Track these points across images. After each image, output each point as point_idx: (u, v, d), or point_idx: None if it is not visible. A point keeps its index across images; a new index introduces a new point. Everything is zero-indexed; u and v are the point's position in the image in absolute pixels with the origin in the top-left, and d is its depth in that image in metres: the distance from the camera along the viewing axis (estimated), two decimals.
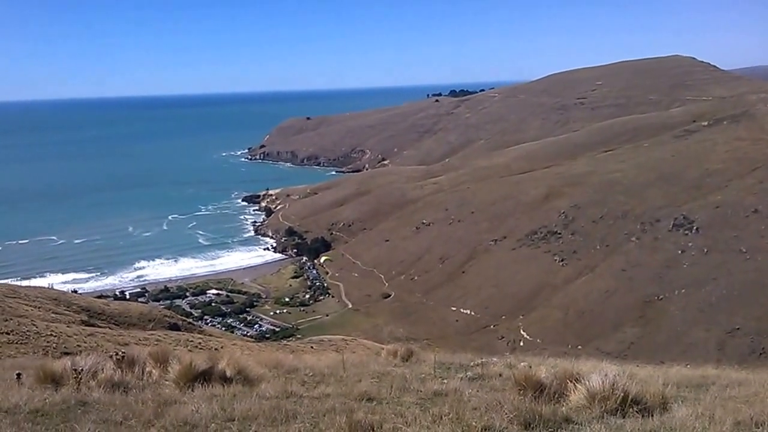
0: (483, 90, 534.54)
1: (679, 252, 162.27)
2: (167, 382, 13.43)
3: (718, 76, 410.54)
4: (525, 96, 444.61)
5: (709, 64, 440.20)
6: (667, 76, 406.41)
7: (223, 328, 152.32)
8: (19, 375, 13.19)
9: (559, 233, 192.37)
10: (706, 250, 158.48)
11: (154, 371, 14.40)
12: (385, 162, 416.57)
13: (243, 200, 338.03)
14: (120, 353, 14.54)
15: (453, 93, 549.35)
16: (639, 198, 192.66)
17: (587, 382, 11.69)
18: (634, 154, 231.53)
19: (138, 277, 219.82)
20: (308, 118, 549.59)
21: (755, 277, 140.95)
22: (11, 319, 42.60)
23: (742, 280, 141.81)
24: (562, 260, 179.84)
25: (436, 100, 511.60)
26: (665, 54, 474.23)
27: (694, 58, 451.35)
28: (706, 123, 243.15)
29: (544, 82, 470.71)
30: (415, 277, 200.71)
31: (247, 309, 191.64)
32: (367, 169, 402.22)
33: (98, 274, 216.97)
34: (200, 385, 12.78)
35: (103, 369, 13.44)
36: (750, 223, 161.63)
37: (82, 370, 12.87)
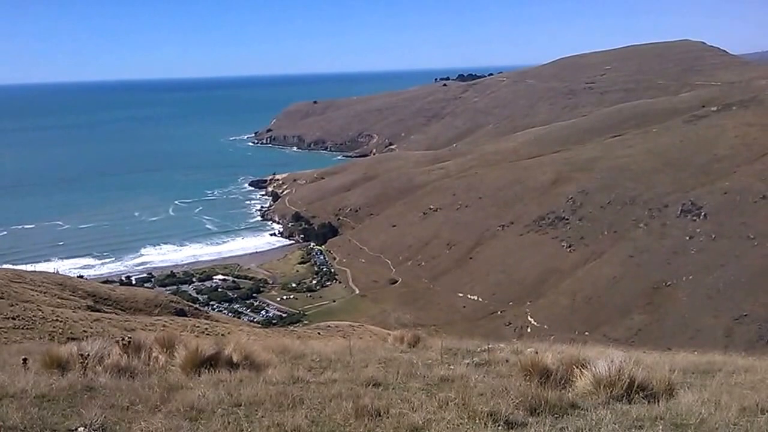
0: (491, 74, 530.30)
1: (687, 238, 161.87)
2: (174, 368, 13.46)
3: (728, 61, 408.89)
4: (533, 80, 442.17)
5: (718, 48, 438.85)
6: (676, 61, 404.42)
7: (230, 314, 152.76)
8: (25, 360, 13.12)
9: (567, 219, 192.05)
10: (714, 236, 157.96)
11: (160, 357, 14.43)
12: (393, 147, 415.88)
13: (249, 185, 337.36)
14: (126, 338, 14.51)
15: (461, 77, 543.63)
16: (647, 184, 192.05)
17: (593, 368, 11.71)
18: (642, 140, 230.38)
19: (144, 262, 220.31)
20: (315, 102, 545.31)
21: (763, 263, 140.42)
22: (17, 305, 42.80)
23: (750, 266, 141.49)
24: (569, 246, 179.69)
25: (444, 85, 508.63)
26: (675, 38, 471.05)
27: (703, 43, 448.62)
28: (715, 108, 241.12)
29: (552, 67, 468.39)
30: (423, 263, 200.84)
31: (254, 295, 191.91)
32: (374, 154, 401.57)
33: (104, 259, 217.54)
34: (207, 371, 12.81)
35: (109, 354, 13.46)
36: (758, 210, 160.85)
37: (88, 355, 12.88)
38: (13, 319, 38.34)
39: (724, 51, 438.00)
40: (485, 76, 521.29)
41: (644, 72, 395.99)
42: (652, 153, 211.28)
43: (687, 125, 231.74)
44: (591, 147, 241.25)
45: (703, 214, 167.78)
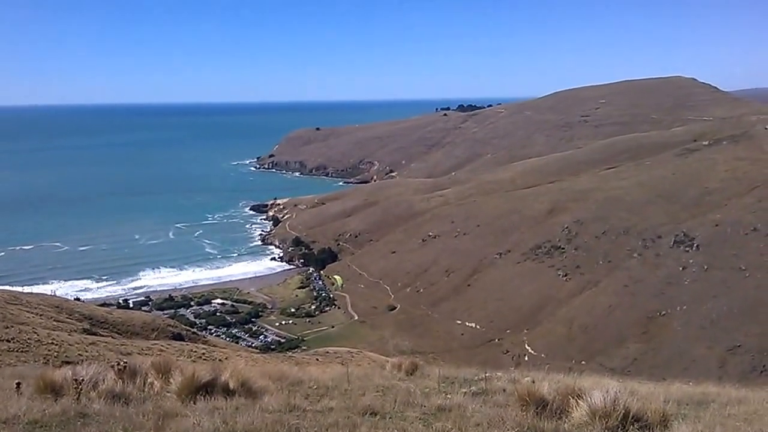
0: (490, 105, 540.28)
1: (680, 269, 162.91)
2: (169, 394, 13.36)
3: (719, 97, 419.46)
4: (531, 112, 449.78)
5: (709, 85, 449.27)
6: (669, 96, 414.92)
7: (228, 339, 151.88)
8: (18, 384, 13.05)
9: (563, 248, 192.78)
10: (706, 267, 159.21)
11: (155, 382, 14.29)
12: (393, 174, 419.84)
13: (250, 209, 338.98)
14: (121, 363, 14.44)
15: (461, 107, 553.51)
16: (640, 215, 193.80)
17: (589, 399, 11.69)
18: (635, 172, 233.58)
19: (142, 285, 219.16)
20: (317, 129, 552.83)
21: (755, 294, 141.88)
22: (12, 327, 42.46)
23: (742, 297, 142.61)
24: (565, 275, 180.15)
25: (444, 114, 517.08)
26: (667, 74, 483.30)
27: (695, 79, 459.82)
28: (706, 142, 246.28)
29: (549, 100, 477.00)
30: (421, 290, 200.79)
31: (253, 319, 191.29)
32: (375, 181, 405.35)
33: (102, 282, 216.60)
34: (202, 398, 12.69)
35: (104, 379, 13.31)
36: (749, 241, 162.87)
37: (82, 380, 12.74)
38: (8, 341, 38.05)
39: (716, 87, 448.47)
40: (484, 107, 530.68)
41: (637, 106, 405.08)
42: (646, 185, 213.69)
43: (679, 158, 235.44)
44: (586, 178, 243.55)
45: (695, 245, 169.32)
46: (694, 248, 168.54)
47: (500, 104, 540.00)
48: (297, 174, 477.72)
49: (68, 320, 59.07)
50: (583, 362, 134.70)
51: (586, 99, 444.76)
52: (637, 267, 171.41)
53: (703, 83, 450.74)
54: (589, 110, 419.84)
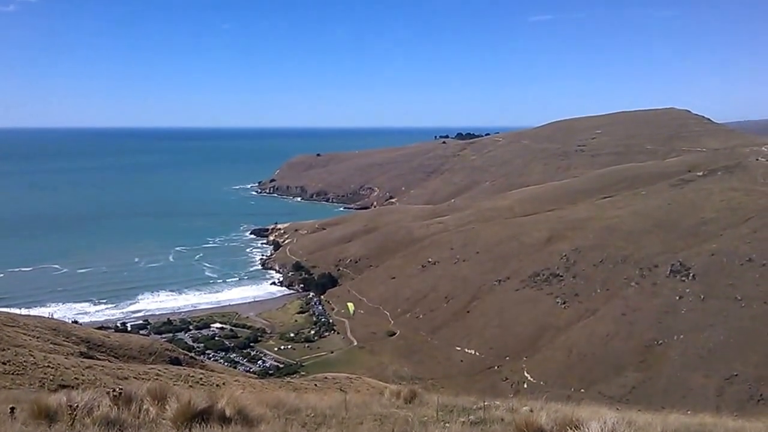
0: (488, 134, 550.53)
1: (677, 298, 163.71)
2: (164, 421, 13.17)
3: (712, 128, 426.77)
4: (528, 141, 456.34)
5: (703, 117, 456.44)
6: (663, 128, 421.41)
7: (226, 364, 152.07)
8: (12, 409, 12.92)
9: (561, 276, 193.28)
10: (703, 296, 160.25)
11: (151, 409, 14.07)
12: (393, 200, 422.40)
13: (251, 233, 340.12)
14: (117, 389, 14.31)
15: (459, 136, 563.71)
16: (637, 244, 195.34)
17: (587, 430, 11.59)
18: (632, 201, 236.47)
19: (141, 309, 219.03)
20: (318, 155, 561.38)
21: (751, 324, 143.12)
22: (8, 349, 42.17)
23: (738, 327, 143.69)
24: (564, 302, 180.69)
25: (443, 142, 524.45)
26: (662, 106, 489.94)
27: (689, 111, 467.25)
28: (701, 173, 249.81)
29: (547, 129, 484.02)
30: (421, 316, 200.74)
31: (251, 344, 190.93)
32: (374, 207, 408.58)
33: (101, 305, 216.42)
34: (198, 425, 12.50)
35: (99, 405, 13.19)
36: (745, 272, 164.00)
37: (77, 406, 12.64)
38: (4, 363, 37.82)
39: (709, 119, 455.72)
40: (483, 136, 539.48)
41: (633, 137, 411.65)
42: (642, 214, 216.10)
43: (675, 189, 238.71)
44: (583, 207, 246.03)
45: (691, 274, 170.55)
46: (690, 278, 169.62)
47: (498, 133, 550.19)
48: (298, 199, 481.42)
49: (65, 343, 58.77)
50: (582, 390, 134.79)
51: (582, 129, 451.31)
52: (634, 296, 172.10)
53: (697, 115, 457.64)
54: (585, 140, 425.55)
